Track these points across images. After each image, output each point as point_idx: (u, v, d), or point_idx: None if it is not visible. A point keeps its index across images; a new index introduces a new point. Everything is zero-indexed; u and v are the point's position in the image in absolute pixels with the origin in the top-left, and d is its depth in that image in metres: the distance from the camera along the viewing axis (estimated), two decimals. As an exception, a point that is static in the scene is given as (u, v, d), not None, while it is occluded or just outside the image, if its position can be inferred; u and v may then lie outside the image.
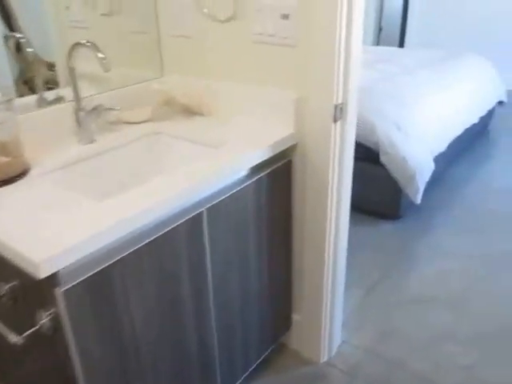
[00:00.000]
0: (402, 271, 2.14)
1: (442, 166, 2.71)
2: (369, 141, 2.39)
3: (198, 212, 1.11)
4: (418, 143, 2.39)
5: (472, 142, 3.34)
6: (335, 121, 1.32)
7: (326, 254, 1.51)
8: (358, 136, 2.43)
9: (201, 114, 1.52)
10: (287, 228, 1.52)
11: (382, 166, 2.38)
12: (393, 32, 6.03)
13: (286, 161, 1.41)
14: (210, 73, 1.50)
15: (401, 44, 5.31)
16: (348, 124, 1.37)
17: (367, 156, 2.43)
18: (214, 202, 1.16)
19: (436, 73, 2.98)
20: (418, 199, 2.34)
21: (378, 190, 2.50)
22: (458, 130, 2.80)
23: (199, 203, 1.12)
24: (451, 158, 2.92)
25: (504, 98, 3.54)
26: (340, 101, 1.31)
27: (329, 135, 1.34)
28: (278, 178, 1.39)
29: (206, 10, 1.41)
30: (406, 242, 2.35)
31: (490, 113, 3.44)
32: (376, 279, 2.09)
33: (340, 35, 1.22)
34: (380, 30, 6.45)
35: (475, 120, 3.05)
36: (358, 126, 2.45)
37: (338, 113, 1.32)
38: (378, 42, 6.50)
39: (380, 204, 2.53)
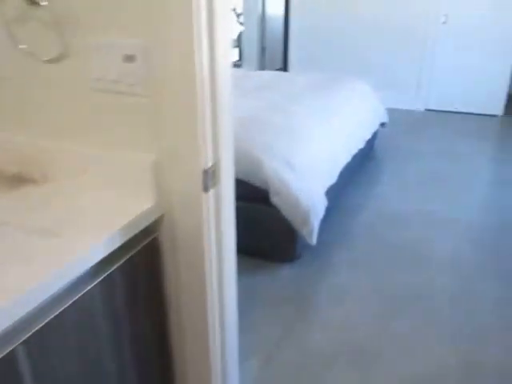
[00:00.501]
0: (303, 325, 1.93)
1: (333, 198, 2.59)
2: (257, 179, 2.16)
3: (7, 352, 0.75)
4: (309, 179, 2.22)
5: (360, 167, 3.31)
6: (206, 189, 1.04)
7: (210, 340, 1.22)
8: (243, 174, 2.20)
9: (33, 182, 1.14)
10: (160, 321, 1.20)
11: (272, 205, 2.16)
12: (276, 52, 6.03)
13: (150, 239, 1.09)
14: (42, 128, 1.14)
15: (285, 66, 5.28)
16: (224, 189, 1.10)
17: (255, 196, 2.21)
18: (38, 327, 0.80)
19: (321, 100, 2.88)
20: (314, 240, 2.17)
21: (270, 232, 2.28)
22: (346, 158, 2.71)
23: (10, 335, 0.76)
24: (342, 188, 2.83)
25: (385, 119, 3.59)
26: (211, 163, 1.04)
27: (200, 207, 1.05)
28: (140, 265, 1.07)
29: (23, 46, 1.05)
30: (305, 288, 2.15)
31: (375, 134, 3.46)
32: (275, 341, 1.84)
33: (202, 77, 0.95)
34: (263, 50, 6.43)
35: (362, 145, 3.01)
36: (244, 163, 2.24)
37: (210, 179, 1.04)
38: (263, 62, 6.48)
39: (275, 246, 2.32)
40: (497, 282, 2.18)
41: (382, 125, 3.59)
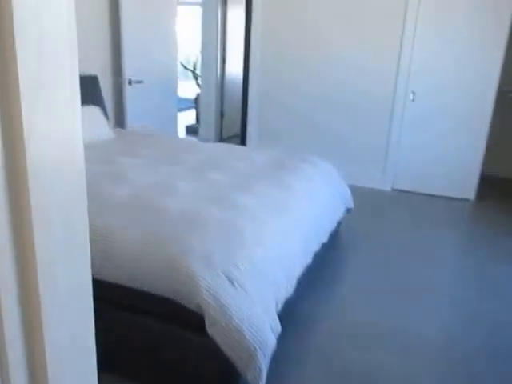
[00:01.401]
0: None
1: (285, 307, 2.05)
2: (187, 300, 1.60)
3: None
4: (258, 300, 1.68)
5: (321, 263, 2.81)
6: None
7: None
8: (171, 291, 1.64)
9: None
10: None
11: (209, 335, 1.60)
12: (236, 117, 5.68)
13: None
14: None
15: (243, 133, 4.89)
16: None
17: (187, 320, 1.64)
18: None
19: (277, 186, 2.41)
20: (261, 386, 1.59)
21: (205, 368, 1.69)
22: (306, 261, 2.21)
23: None
24: (299, 294, 2.30)
25: (351, 205, 3.16)
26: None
27: None
28: None
29: None
30: None
31: (340, 223, 3.01)
32: None
33: None
34: (222, 114, 6.08)
35: (325, 239, 2.54)
36: (170, 276, 1.65)
37: None
38: (220, 127, 6.10)
39: (210, 388, 1.72)
40: None
41: (348, 210, 3.15)
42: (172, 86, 4.83)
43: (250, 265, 1.77)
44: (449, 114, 3.98)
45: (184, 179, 2.41)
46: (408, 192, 4.32)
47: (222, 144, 3.38)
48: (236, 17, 5.74)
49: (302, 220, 2.29)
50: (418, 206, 3.99)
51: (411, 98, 4.03)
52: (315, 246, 2.37)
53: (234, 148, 3.24)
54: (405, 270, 2.87)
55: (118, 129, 3.87)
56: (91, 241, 1.87)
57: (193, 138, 4.43)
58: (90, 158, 2.72)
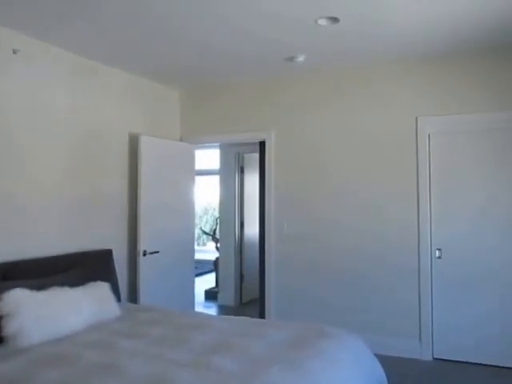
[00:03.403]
0: None
1: None
2: None
3: None
4: None
5: None
6: None
7: None
8: None
9: None
10: None
11: None
12: (256, 282, 5.46)
13: None
14: None
15: (262, 303, 4.60)
16: None
17: None
18: None
19: (296, 372, 2.07)
20: None
21: None
22: None
23: None
24: None
25: (385, 383, 2.70)
26: None
27: None
28: None
29: None
30: None
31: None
32: None
33: None
34: (241, 279, 5.89)
35: None
36: None
37: None
38: (240, 292, 5.86)
39: None
40: None
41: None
42: (189, 255, 4.77)
43: None
44: (483, 268, 3.64)
45: (185, 367, 2.11)
46: (454, 362, 3.74)
47: (234, 318, 3.10)
48: (252, 182, 5.94)
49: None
50: (469, 379, 3.41)
51: (437, 254, 3.78)
52: None
53: (247, 322, 2.95)
54: None
55: (128, 304, 3.68)
56: None
57: (204, 312, 4.10)
58: (87, 343, 2.48)
